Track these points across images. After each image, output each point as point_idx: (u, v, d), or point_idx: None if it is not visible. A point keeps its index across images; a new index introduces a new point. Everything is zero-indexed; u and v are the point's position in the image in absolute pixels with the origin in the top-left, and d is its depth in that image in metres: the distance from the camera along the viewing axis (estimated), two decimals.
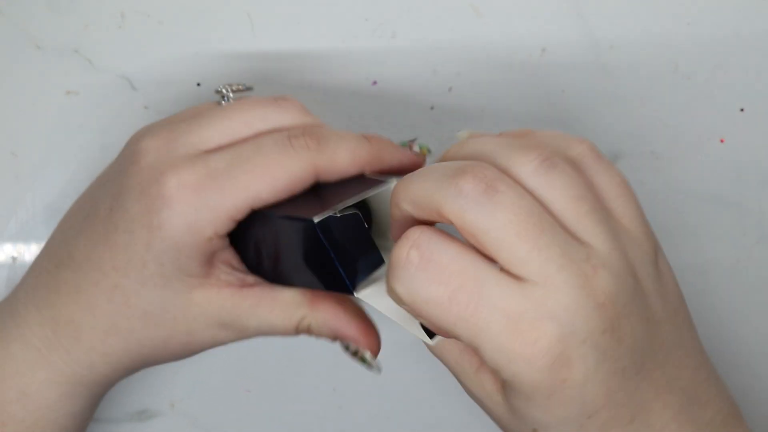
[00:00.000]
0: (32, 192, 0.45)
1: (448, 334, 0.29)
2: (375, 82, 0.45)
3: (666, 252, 0.46)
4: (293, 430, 0.45)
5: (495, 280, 0.27)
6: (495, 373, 0.29)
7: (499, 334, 0.27)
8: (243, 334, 0.36)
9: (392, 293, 0.29)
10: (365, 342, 0.35)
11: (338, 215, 0.31)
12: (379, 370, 0.35)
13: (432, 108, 0.46)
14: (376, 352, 0.35)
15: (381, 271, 0.33)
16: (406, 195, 0.29)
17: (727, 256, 0.46)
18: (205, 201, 0.32)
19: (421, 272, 0.28)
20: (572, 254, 0.28)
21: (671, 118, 0.46)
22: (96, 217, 0.35)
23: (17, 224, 0.45)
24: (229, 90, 0.37)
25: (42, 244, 0.44)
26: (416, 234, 0.28)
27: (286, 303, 0.35)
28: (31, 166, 0.45)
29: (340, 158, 0.34)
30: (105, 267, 0.34)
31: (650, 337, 0.30)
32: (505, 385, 0.30)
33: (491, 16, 0.46)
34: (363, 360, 0.35)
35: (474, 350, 0.28)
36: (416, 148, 0.36)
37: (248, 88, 0.38)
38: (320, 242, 0.31)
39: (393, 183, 0.34)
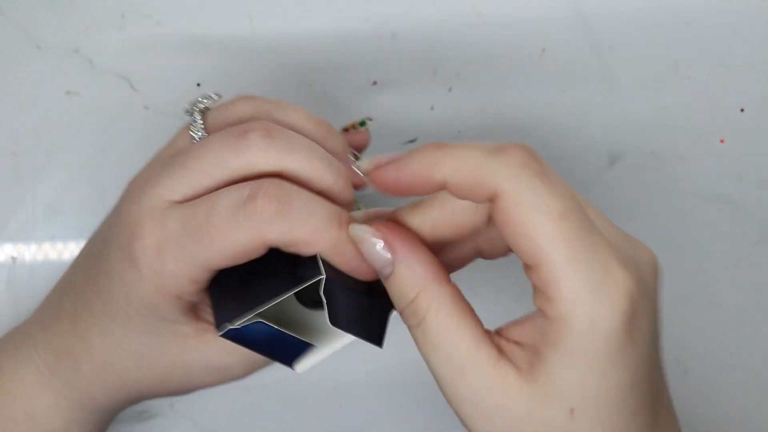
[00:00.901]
0: (32, 192, 0.45)
1: (528, 254, 0.28)
2: (375, 82, 0.45)
3: (666, 252, 0.46)
4: (293, 430, 0.45)
5: (589, 218, 0.28)
6: (557, 319, 0.27)
7: (594, 265, 0.27)
8: (251, 369, 0.35)
9: (499, 190, 0.27)
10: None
11: (240, 326, 0.31)
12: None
13: (432, 108, 0.46)
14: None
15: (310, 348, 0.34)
16: (451, 164, 0.28)
17: (727, 256, 0.46)
18: (164, 266, 0.31)
19: (540, 180, 0.28)
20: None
21: (671, 118, 0.46)
22: (91, 255, 0.35)
23: (17, 224, 0.45)
24: (196, 110, 0.35)
25: (42, 245, 0.44)
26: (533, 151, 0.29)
27: None
28: (31, 166, 0.45)
29: (297, 236, 0.30)
30: (95, 309, 0.34)
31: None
32: (551, 352, 0.28)
33: (491, 16, 0.46)
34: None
35: (545, 281, 0.27)
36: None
37: (218, 96, 0.36)
38: (242, 341, 0.32)
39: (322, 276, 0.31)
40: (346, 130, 0.39)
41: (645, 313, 0.28)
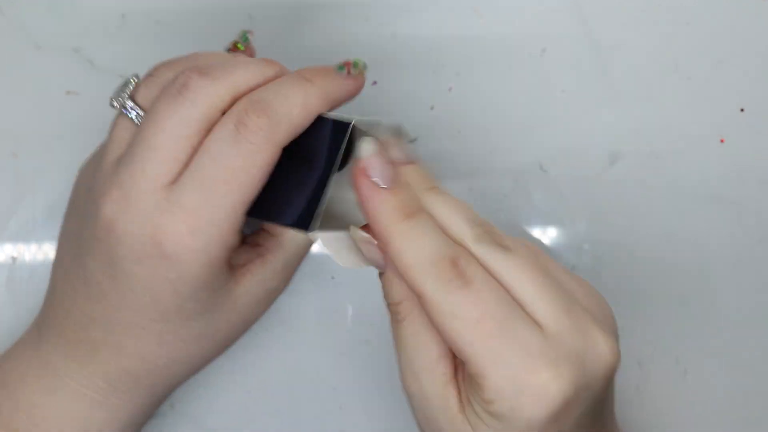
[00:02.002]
0: (32, 192, 0.45)
1: (455, 351, 0.30)
2: (375, 82, 0.45)
3: (666, 252, 0.46)
4: (293, 430, 0.45)
5: (521, 316, 0.29)
6: (485, 401, 0.29)
7: (516, 366, 0.29)
8: (290, 277, 0.37)
9: (422, 295, 0.30)
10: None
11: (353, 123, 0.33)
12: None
13: (432, 108, 0.46)
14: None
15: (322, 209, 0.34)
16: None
17: (727, 256, 0.46)
18: (205, 239, 0.31)
19: (458, 290, 0.29)
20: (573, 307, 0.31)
21: (671, 118, 0.46)
22: (94, 283, 0.33)
23: (17, 224, 0.45)
24: (125, 96, 0.34)
25: (42, 245, 0.43)
26: (462, 259, 0.30)
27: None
28: (31, 166, 0.45)
29: (296, 120, 0.32)
30: (142, 322, 0.33)
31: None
32: (485, 411, 0.30)
33: (491, 16, 0.46)
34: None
35: (473, 374, 0.29)
36: (354, 71, 0.34)
37: (136, 77, 0.35)
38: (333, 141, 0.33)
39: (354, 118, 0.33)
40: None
41: (578, 403, 0.29)
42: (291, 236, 0.36)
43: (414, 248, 0.30)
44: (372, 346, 0.45)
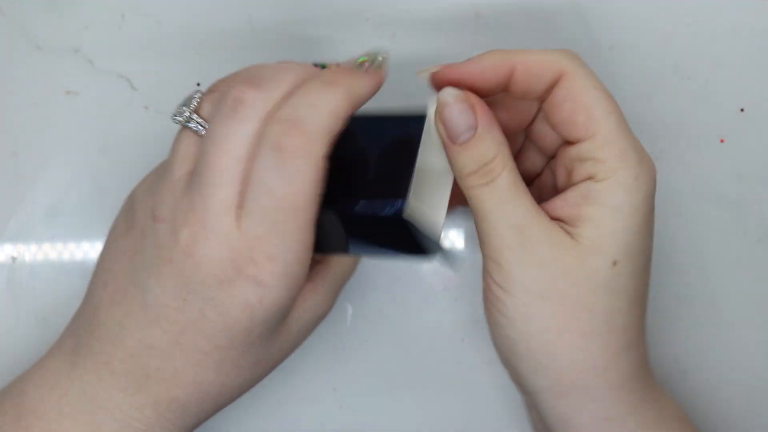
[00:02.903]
0: (32, 192, 0.45)
1: (585, 128, 0.33)
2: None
3: (666, 252, 0.46)
4: (293, 430, 0.45)
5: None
6: (607, 179, 0.33)
7: (635, 143, 0.34)
8: (335, 300, 0.37)
9: (564, 72, 0.34)
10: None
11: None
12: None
13: None
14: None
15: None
16: (521, 55, 0.34)
17: (728, 256, 0.46)
18: (284, 263, 0.32)
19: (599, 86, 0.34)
20: None
21: (671, 118, 0.46)
22: (158, 306, 0.32)
23: (17, 224, 0.45)
24: (189, 111, 0.34)
25: (42, 245, 0.43)
26: None
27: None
28: (31, 166, 0.45)
29: (329, 128, 0.32)
30: (204, 348, 0.33)
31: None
32: (598, 209, 0.33)
33: (491, 15, 0.46)
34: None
35: (596, 150, 0.33)
36: (373, 67, 0.35)
37: (197, 93, 0.35)
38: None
39: (432, 107, 0.34)
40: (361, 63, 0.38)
41: (651, 201, 0.34)
42: (338, 260, 0.37)
43: (533, 50, 0.34)
44: (372, 346, 0.45)
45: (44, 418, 0.33)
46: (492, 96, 0.35)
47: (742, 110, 0.46)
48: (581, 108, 0.33)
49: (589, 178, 0.33)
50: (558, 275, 0.33)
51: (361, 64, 0.34)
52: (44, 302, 0.44)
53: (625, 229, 0.32)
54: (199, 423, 0.36)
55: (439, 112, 0.34)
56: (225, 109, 0.32)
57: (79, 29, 0.46)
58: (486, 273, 0.34)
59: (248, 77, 0.33)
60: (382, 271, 0.45)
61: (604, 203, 0.32)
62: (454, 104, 0.33)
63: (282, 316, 0.33)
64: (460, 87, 0.34)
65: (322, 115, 0.32)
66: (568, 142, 0.35)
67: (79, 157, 0.45)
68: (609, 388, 0.34)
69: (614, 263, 0.32)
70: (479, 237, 0.34)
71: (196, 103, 0.34)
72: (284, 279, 0.32)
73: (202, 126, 0.33)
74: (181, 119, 0.34)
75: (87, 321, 0.35)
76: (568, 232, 0.33)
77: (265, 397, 0.45)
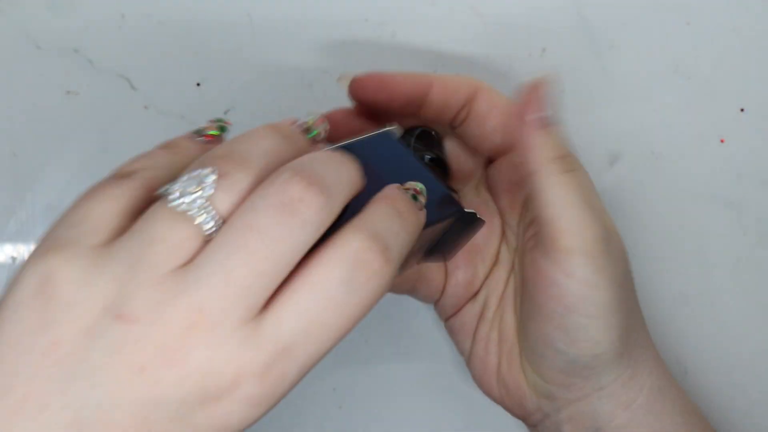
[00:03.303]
0: (32, 192, 0.45)
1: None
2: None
3: (666, 252, 0.46)
4: (293, 430, 0.45)
5: None
6: None
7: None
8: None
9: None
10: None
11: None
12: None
13: None
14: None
15: None
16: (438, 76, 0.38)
17: (727, 256, 0.46)
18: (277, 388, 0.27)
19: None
20: None
21: (671, 118, 0.46)
22: (104, 423, 0.24)
23: (17, 224, 0.45)
24: (201, 200, 0.26)
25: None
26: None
27: None
28: (31, 166, 0.45)
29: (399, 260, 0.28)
30: None
31: None
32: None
33: (491, 16, 0.46)
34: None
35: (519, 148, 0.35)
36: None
37: (210, 170, 0.26)
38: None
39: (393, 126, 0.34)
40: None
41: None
42: None
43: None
44: (372, 346, 0.45)
45: None
46: (407, 113, 0.37)
47: (742, 110, 0.46)
48: (508, 113, 0.36)
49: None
50: (625, 261, 0.36)
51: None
52: None
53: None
54: None
55: (539, 93, 0.34)
56: (276, 205, 0.25)
57: (79, 29, 0.46)
58: (554, 273, 0.34)
59: (303, 170, 0.26)
60: None
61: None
62: (543, 86, 0.34)
63: None
64: (379, 97, 0.35)
65: (404, 244, 0.28)
66: (499, 153, 0.38)
67: (79, 157, 0.45)
68: (653, 357, 0.37)
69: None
70: (549, 232, 0.34)
71: (209, 190, 0.26)
72: (270, 401, 0.27)
73: (215, 226, 0.26)
74: (184, 206, 0.26)
75: None
76: None
77: None
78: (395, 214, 0.28)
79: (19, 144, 0.45)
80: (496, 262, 0.39)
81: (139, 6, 0.46)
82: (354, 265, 0.26)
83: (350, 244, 0.26)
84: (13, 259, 0.45)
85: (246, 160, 0.27)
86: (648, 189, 0.46)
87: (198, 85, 0.45)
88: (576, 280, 0.33)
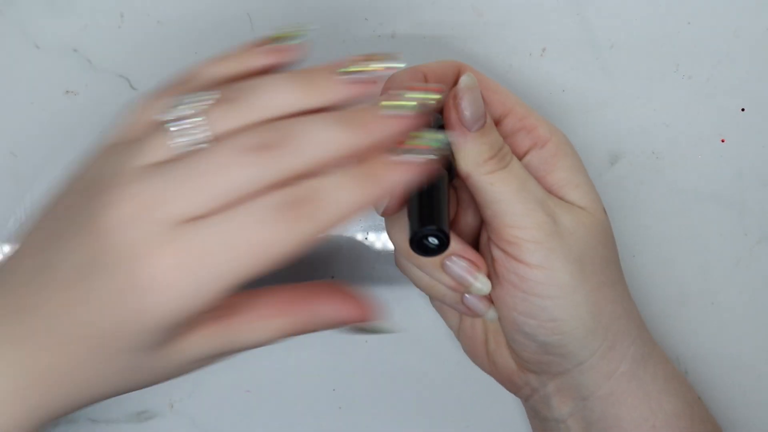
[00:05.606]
0: (32, 192, 0.45)
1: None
2: (375, 82, 0.45)
3: (666, 252, 0.46)
4: (293, 430, 0.45)
5: None
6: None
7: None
8: (230, 353, 0.33)
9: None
10: (358, 316, 0.32)
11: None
12: (392, 329, 0.33)
13: None
14: (370, 318, 0.32)
15: None
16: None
17: (728, 256, 0.46)
18: (188, 289, 0.28)
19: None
20: None
21: (671, 118, 0.46)
22: (61, 270, 0.30)
23: (17, 224, 0.45)
24: (196, 110, 0.30)
25: None
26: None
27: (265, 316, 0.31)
28: (31, 166, 0.45)
29: (339, 217, 0.29)
30: (75, 335, 0.29)
31: None
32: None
33: (491, 15, 0.46)
34: (374, 330, 0.33)
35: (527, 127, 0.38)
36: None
37: (211, 94, 0.31)
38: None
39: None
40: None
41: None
42: (246, 324, 0.32)
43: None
44: (371, 346, 0.45)
45: None
46: None
47: (742, 110, 0.46)
48: (492, 88, 0.37)
49: (534, 146, 0.37)
50: (582, 238, 0.36)
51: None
52: None
53: (591, 182, 0.38)
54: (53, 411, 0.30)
55: (457, 99, 0.35)
56: (251, 144, 0.29)
57: (78, 29, 0.45)
58: (509, 263, 0.35)
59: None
60: (381, 271, 0.45)
61: (572, 166, 0.37)
62: (474, 90, 0.35)
63: (172, 331, 0.29)
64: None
65: (339, 211, 0.29)
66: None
67: (78, 156, 0.45)
68: (637, 326, 0.38)
69: (605, 215, 0.37)
70: (495, 227, 0.35)
71: (203, 104, 0.30)
72: (193, 294, 0.28)
73: (204, 137, 0.29)
74: (176, 113, 0.30)
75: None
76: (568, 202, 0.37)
77: (266, 397, 0.45)
78: (351, 179, 0.29)
79: (18, 144, 0.45)
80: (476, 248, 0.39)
81: (139, 6, 0.46)
82: (276, 209, 0.28)
83: (283, 193, 0.28)
84: None
85: (240, 103, 0.30)
86: (648, 189, 0.46)
87: None
88: (530, 266, 0.35)
